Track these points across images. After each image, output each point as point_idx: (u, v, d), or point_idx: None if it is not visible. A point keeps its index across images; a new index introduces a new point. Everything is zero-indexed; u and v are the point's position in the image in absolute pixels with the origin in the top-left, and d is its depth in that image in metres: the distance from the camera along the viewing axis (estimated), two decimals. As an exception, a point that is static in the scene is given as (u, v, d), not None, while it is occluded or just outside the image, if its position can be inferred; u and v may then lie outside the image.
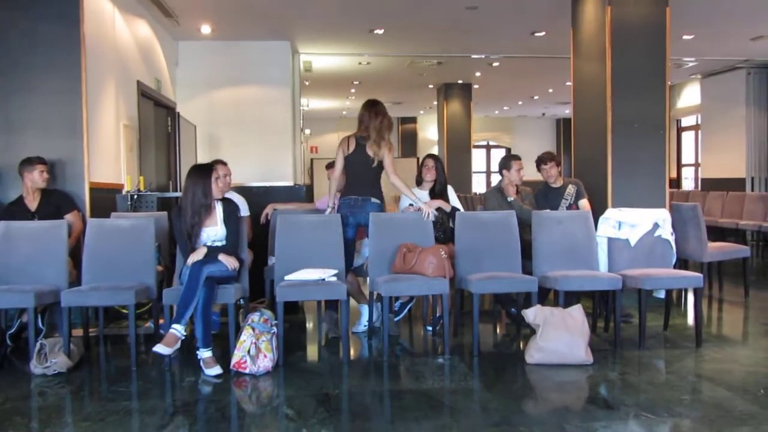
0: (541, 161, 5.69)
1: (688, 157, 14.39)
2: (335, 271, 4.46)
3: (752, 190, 11.34)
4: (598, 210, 5.54)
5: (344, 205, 4.81)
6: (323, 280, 4.32)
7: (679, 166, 14.77)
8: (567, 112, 17.85)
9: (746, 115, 11.60)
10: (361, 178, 4.79)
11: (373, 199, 4.82)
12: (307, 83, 12.47)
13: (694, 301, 4.81)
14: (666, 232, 5.09)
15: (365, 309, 5.08)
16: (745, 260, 6.34)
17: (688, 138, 14.52)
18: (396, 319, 5.09)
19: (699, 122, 13.38)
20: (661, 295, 5.54)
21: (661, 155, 5.98)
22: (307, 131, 17.40)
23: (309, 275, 4.36)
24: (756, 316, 5.66)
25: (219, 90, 9.24)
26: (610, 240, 5.04)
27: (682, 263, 6.05)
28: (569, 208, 5.68)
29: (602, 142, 6.09)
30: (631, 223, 5.04)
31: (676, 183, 14.61)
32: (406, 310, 5.22)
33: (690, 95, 13.80)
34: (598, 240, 5.04)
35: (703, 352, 4.45)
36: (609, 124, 6.00)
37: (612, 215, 5.10)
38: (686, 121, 14.60)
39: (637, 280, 4.60)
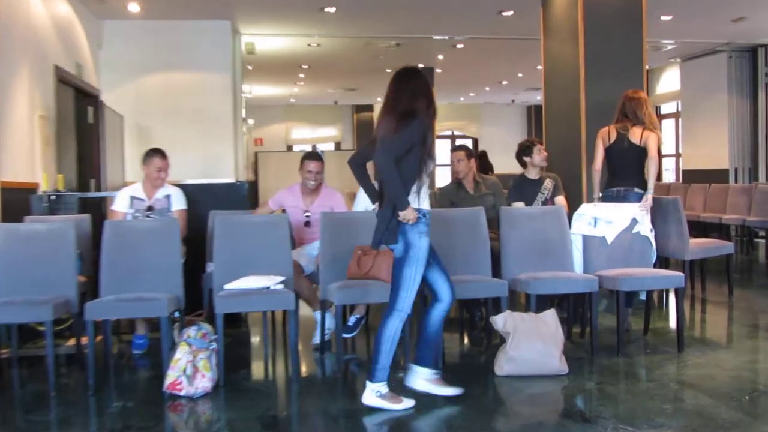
0: (531, 145, 5.79)
1: (668, 146, 14.70)
2: (282, 278, 4.42)
3: (735, 181, 11.63)
4: (572, 205, 5.60)
5: (607, 197, 5.41)
6: (269, 288, 4.28)
7: (660, 156, 15.11)
8: (538, 98, 18.08)
9: (728, 102, 11.90)
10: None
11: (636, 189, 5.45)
12: (249, 68, 12.36)
13: (676, 303, 4.90)
14: (645, 228, 5.17)
15: (317, 315, 5.05)
16: (728, 257, 6.49)
17: (668, 126, 14.83)
18: (349, 335, 5.06)
19: (679, 109, 13.68)
20: (642, 296, 5.63)
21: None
22: (251, 121, 17.26)
23: (252, 283, 4.31)
24: (740, 316, 5.81)
25: (149, 75, 9.08)
26: (586, 238, 5.10)
27: (662, 262, 6.17)
28: (545, 204, 5.75)
29: (576, 131, 6.16)
30: (608, 219, 5.10)
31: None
32: (359, 328, 5.20)
33: (669, 80, 14.10)
34: (573, 238, 5.10)
35: (686, 357, 4.54)
36: (582, 111, 6.07)
37: (587, 211, 5.16)
38: (666, 108, 14.91)
39: (614, 281, 4.67)
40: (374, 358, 3.66)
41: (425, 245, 3.69)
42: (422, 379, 3.85)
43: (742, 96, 11.89)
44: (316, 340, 5.00)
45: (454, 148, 5.86)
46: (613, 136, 5.62)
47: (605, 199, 5.56)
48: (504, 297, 4.52)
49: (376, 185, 3.72)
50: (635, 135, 5.55)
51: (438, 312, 3.84)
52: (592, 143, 5.97)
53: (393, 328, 3.66)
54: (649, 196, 5.35)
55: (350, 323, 5.08)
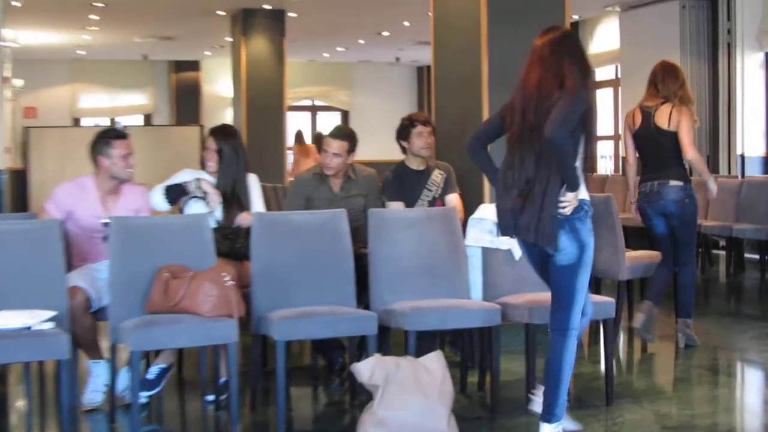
0: (409, 124, 5.88)
1: (605, 126, 15.29)
2: (51, 313, 4.29)
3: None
4: (469, 206, 5.72)
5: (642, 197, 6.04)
6: (29, 328, 4.16)
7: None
8: (432, 56, 18.40)
9: (681, 65, 12.51)
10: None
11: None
12: (16, 4, 11.91)
13: (605, 339, 5.11)
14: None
15: (97, 367, 4.93)
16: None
17: (604, 98, 15.41)
18: (150, 393, 4.95)
19: (618, 75, 14.27)
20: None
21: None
22: (18, 83, 16.62)
23: (6, 321, 4.17)
24: (691, 355, 6.12)
25: None
26: (486, 252, 5.21)
27: (591, 283, 6.41)
28: (433, 204, 5.84)
29: (475, 104, 6.28)
30: (516, 225, 5.25)
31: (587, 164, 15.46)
32: (164, 381, 5.09)
33: (605, 36, 14.65)
34: (469, 252, 5.20)
35: (615, 413, 4.72)
36: (485, 78, 6.20)
37: (488, 214, 5.26)
38: (601, 74, 15.46)
39: (523, 310, 4.80)
40: (553, 393, 4.09)
41: (592, 246, 4.19)
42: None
43: (698, 57, 12.49)
44: (89, 398, 4.90)
45: (335, 134, 5.77)
46: (638, 120, 6.22)
47: (642, 199, 6.21)
48: (372, 335, 4.55)
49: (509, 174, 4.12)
50: (662, 117, 6.10)
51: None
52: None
53: (573, 352, 4.13)
54: (712, 186, 6.18)
55: (150, 376, 4.98)
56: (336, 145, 5.68)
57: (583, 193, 4.10)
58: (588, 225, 4.14)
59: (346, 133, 5.83)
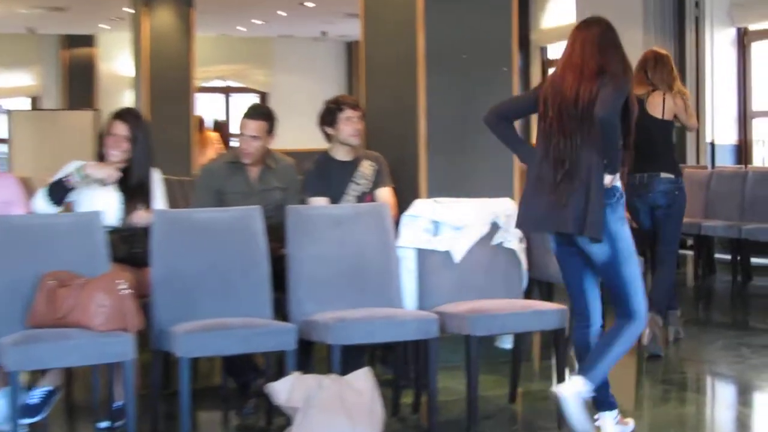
0: (336, 108, 5.87)
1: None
2: None
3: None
4: (404, 202, 5.74)
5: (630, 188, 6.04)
6: None
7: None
8: (364, 31, 18.41)
9: (644, 43, 12.66)
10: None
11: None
12: None
13: (556, 353, 5.15)
14: (512, 237, 5.40)
15: None
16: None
17: (558, 79, 15.64)
18: (32, 420, 4.88)
19: (574, 53, 14.44)
20: (505, 344, 5.87)
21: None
22: None
23: None
24: (653, 369, 6.22)
25: None
26: (422, 254, 5.24)
27: (542, 288, 6.48)
28: (361, 199, 5.84)
29: (410, 87, 6.32)
30: (455, 223, 5.27)
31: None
32: (49, 406, 5.02)
33: (559, 10, 14.82)
34: (402, 254, 5.22)
35: (569, 437, 4.79)
36: (421, 56, 6.24)
37: (424, 211, 5.31)
38: (555, 51, 15.64)
39: (463, 320, 4.83)
40: (602, 382, 4.53)
41: (629, 233, 4.55)
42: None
43: (663, 35, 12.67)
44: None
45: (251, 113, 5.80)
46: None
47: (630, 192, 6.15)
48: (290, 351, 4.54)
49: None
50: (654, 105, 6.54)
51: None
52: (435, 107, 6.17)
53: (632, 340, 4.61)
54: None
55: (33, 400, 4.91)
56: (253, 126, 5.68)
57: (616, 180, 4.50)
58: (619, 212, 4.50)
59: (263, 112, 5.84)
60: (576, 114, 4.44)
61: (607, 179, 4.43)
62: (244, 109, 5.96)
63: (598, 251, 4.47)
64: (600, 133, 4.36)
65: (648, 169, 6.45)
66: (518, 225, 4.83)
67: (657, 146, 6.49)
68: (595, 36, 4.58)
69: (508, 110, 4.88)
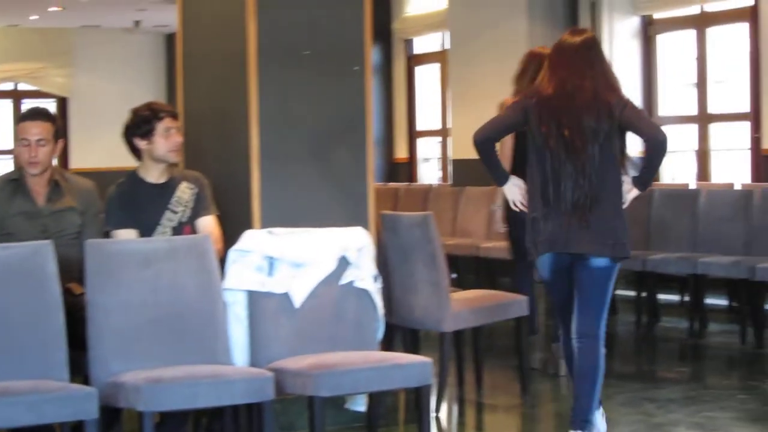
0: (152, 117, 5.87)
1: (429, 117, 15.63)
2: None
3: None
4: (232, 234, 5.80)
5: None
6: None
7: (413, 133, 16.03)
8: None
9: (530, 34, 12.92)
10: None
11: None
12: None
13: (419, 415, 5.24)
14: (365, 275, 5.52)
15: None
16: (519, 323, 7.09)
17: (427, 77, 15.77)
18: None
19: (446, 46, 14.63)
20: (357, 405, 5.95)
21: (360, 116, 6.46)
22: None
23: None
24: (537, 428, 6.39)
25: None
26: (254, 297, 5.31)
27: (405, 337, 6.58)
28: (179, 231, 5.85)
29: (238, 90, 6.33)
30: (295, 259, 5.37)
31: (406, 170, 15.77)
32: None
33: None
34: (230, 298, 5.29)
35: None
36: (252, 52, 6.26)
37: (256, 245, 5.39)
38: (421, 45, 15.85)
39: (305, 378, 4.91)
40: (589, 399, 5.46)
41: None
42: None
43: (552, 25, 12.88)
44: None
45: (31, 115, 5.85)
46: None
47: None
48: (90, 420, 4.52)
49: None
50: None
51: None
52: (272, 110, 6.20)
53: (603, 358, 5.54)
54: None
55: None
56: (38, 129, 5.73)
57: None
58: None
59: (45, 113, 5.89)
60: (596, 129, 5.41)
61: (631, 195, 5.52)
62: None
63: (604, 269, 5.50)
64: (652, 153, 5.50)
65: None
66: (530, 247, 5.60)
67: None
68: (593, 52, 5.63)
69: (497, 132, 5.78)
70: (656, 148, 5.44)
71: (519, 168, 6.64)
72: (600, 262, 5.46)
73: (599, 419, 5.60)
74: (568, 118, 5.42)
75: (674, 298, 10.55)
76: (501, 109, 7.14)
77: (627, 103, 5.45)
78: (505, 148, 7.62)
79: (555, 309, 6.06)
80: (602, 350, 5.52)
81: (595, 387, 5.48)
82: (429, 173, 15.61)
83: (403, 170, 15.94)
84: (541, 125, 5.44)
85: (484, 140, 5.57)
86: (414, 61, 15.74)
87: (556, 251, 5.53)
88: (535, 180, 5.52)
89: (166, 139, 5.88)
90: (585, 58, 5.58)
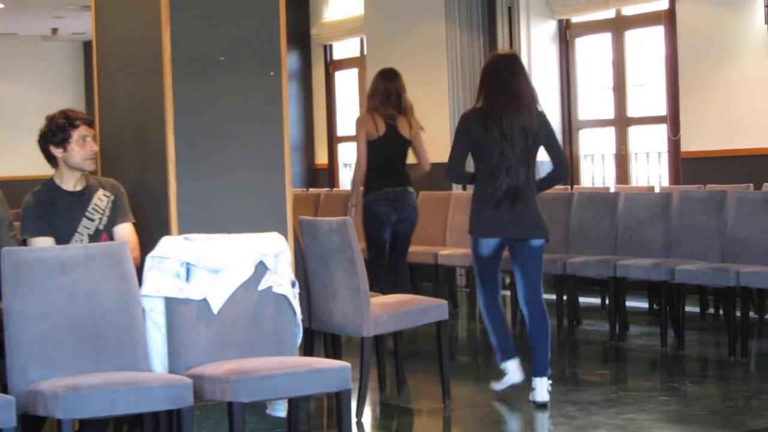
0: (67, 125, 5.89)
1: (349, 123, 15.61)
2: None
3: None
4: (148, 242, 5.79)
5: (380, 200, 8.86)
6: None
7: (333, 139, 16.11)
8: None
9: (448, 38, 12.99)
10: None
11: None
12: None
13: (339, 422, 5.27)
14: (283, 281, 5.56)
15: None
16: (440, 327, 7.12)
17: (346, 83, 15.80)
18: None
19: (364, 52, 14.71)
20: (281, 412, 5.96)
21: (277, 121, 6.52)
22: None
23: None
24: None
25: None
26: (171, 303, 5.33)
27: (326, 342, 6.59)
28: (96, 238, 5.85)
29: (153, 96, 6.34)
30: (212, 265, 5.40)
31: (327, 175, 15.81)
32: None
33: (346, 1, 14.96)
34: (147, 305, 5.30)
35: None
36: (167, 58, 6.26)
37: (173, 251, 5.40)
38: (340, 50, 15.89)
39: (224, 384, 4.92)
40: (545, 350, 6.95)
41: None
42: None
43: (469, 29, 13.00)
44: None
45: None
46: (382, 128, 8.80)
47: (377, 202, 8.81)
48: (9, 428, 4.51)
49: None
50: (404, 126, 8.88)
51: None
52: (188, 116, 6.22)
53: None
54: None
55: None
56: None
57: None
58: None
59: None
60: (528, 129, 6.75)
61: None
62: None
63: (540, 248, 6.94)
64: (556, 177, 7.19)
65: (399, 183, 8.88)
66: (476, 233, 6.96)
67: (403, 163, 9.00)
68: (521, 67, 7.02)
69: (460, 164, 7.04)
70: (561, 175, 7.23)
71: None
72: (537, 242, 6.92)
73: (517, 367, 7.03)
74: (507, 119, 6.72)
75: (595, 301, 10.68)
76: (357, 125, 8.98)
77: (546, 120, 6.98)
78: (360, 156, 8.90)
79: (484, 281, 7.10)
80: (546, 310, 6.97)
81: (548, 340, 6.93)
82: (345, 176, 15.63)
83: (323, 176, 16.01)
84: (485, 129, 6.74)
85: (457, 177, 7.44)
86: (333, 66, 15.78)
87: (498, 236, 6.88)
88: (480, 174, 6.87)
89: (82, 147, 5.88)
90: (513, 71, 6.90)
